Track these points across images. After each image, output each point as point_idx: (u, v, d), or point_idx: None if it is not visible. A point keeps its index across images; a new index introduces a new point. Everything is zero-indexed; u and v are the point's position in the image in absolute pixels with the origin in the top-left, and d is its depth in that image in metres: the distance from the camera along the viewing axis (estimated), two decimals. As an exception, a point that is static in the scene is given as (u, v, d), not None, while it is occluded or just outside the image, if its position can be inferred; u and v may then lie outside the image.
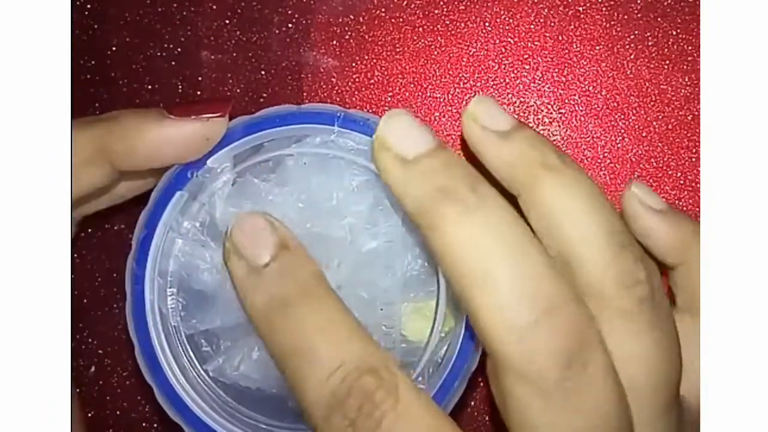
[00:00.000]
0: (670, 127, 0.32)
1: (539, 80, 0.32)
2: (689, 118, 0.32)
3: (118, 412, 0.33)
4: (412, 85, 0.32)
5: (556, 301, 0.20)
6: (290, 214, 0.26)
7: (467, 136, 0.25)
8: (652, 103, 0.32)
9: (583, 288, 0.23)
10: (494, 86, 0.32)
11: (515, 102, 0.32)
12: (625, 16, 0.32)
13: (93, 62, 0.33)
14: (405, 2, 0.32)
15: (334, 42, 0.32)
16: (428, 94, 0.32)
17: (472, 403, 0.32)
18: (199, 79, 0.32)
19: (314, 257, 0.26)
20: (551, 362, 0.20)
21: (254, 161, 0.26)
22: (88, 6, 0.33)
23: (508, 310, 0.20)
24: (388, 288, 0.26)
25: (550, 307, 0.20)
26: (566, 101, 0.32)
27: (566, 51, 0.32)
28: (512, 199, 0.24)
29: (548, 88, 0.32)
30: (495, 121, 0.24)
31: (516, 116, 0.32)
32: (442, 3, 0.32)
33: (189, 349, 0.26)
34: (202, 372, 0.26)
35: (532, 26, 0.32)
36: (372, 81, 0.32)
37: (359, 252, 0.26)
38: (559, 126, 0.32)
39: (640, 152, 0.32)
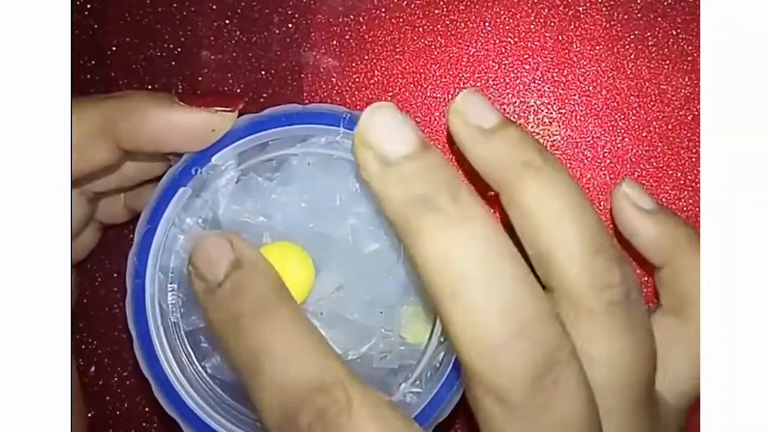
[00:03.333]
0: (670, 127, 0.32)
1: (539, 80, 0.32)
2: (689, 118, 0.32)
3: (118, 412, 0.33)
4: (412, 85, 0.32)
5: (529, 320, 0.20)
6: (293, 213, 0.26)
7: (452, 132, 0.25)
8: (652, 103, 0.32)
9: (558, 289, 0.23)
10: (494, 86, 0.32)
11: (515, 102, 0.32)
12: (625, 16, 0.32)
13: (93, 62, 0.33)
14: (405, 2, 0.32)
15: (334, 42, 0.32)
16: (428, 94, 0.32)
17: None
18: (199, 79, 0.32)
19: (314, 257, 0.26)
20: (521, 380, 0.20)
21: (259, 159, 0.26)
22: (88, 6, 0.33)
23: (481, 327, 0.20)
24: (388, 291, 0.26)
25: (522, 326, 0.20)
26: (566, 101, 0.32)
27: (566, 51, 0.32)
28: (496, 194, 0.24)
29: (548, 88, 0.32)
30: (480, 117, 0.24)
31: (516, 116, 0.32)
32: (442, 3, 0.32)
33: (188, 346, 0.26)
34: (200, 368, 0.26)
35: (532, 26, 0.32)
36: (372, 81, 0.32)
37: (361, 253, 0.26)
38: (559, 126, 0.32)
39: (640, 152, 0.32)
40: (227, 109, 0.25)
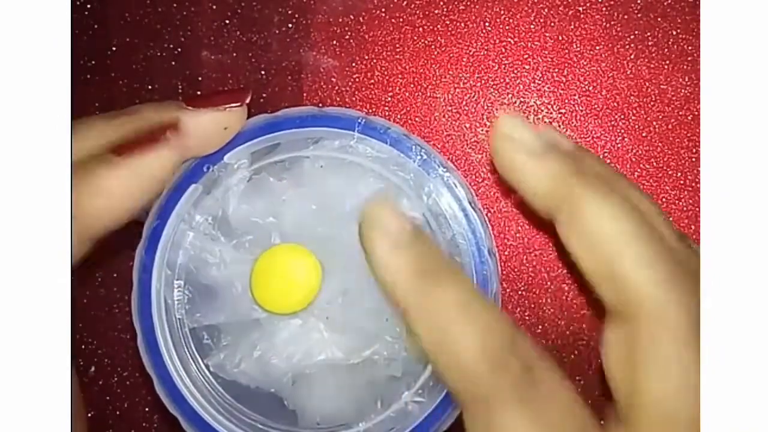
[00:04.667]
0: (670, 127, 0.32)
1: (539, 80, 0.32)
2: (689, 118, 0.32)
3: (118, 412, 0.33)
4: (412, 85, 0.32)
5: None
6: (302, 215, 0.26)
7: (499, 157, 0.24)
8: (652, 103, 0.32)
9: (637, 309, 0.22)
10: (494, 86, 0.32)
11: (515, 102, 0.32)
12: (625, 16, 0.32)
13: (93, 62, 0.33)
14: (405, 2, 0.32)
15: (334, 42, 0.32)
16: (428, 94, 0.32)
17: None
18: (199, 79, 0.32)
19: (322, 260, 0.26)
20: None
21: (271, 160, 0.26)
22: (88, 6, 0.33)
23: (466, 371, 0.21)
24: None
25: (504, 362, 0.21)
26: (566, 101, 0.32)
27: (566, 51, 0.32)
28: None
29: (548, 88, 0.32)
30: (527, 134, 0.24)
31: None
32: (442, 3, 0.32)
33: (191, 343, 0.26)
34: (202, 366, 0.26)
35: (532, 26, 0.32)
36: (372, 81, 0.32)
37: None
38: (559, 126, 0.32)
39: (640, 152, 0.32)
40: (236, 105, 0.25)
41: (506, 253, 0.32)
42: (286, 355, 0.26)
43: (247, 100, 0.25)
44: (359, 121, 0.26)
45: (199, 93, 0.32)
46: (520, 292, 0.32)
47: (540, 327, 0.32)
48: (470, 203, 0.25)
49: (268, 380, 0.26)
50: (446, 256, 0.23)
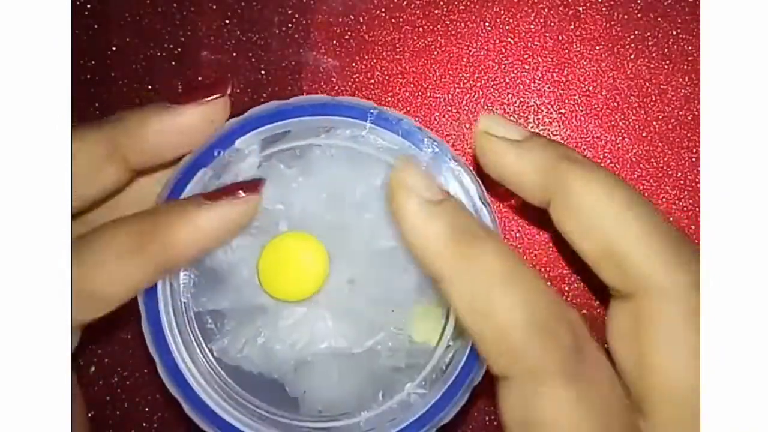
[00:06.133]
0: (670, 127, 0.32)
1: (539, 80, 0.32)
2: (689, 118, 0.32)
3: (118, 412, 0.33)
4: (412, 85, 0.32)
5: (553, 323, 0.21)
6: (311, 203, 0.26)
7: (481, 152, 0.24)
8: (652, 103, 0.32)
9: (637, 287, 0.22)
10: (494, 86, 0.32)
11: (515, 102, 0.32)
12: (625, 16, 0.32)
13: (93, 62, 0.33)
14: (405, 2, 0.32)
15: (334, 42, 0.32)
16: (428, 94, 0.32)
17: (475, 413, 0.32)
18: (199, 79, 0.32)
19: (329, 249, 0.26)
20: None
21: (282, 147, 0.26)
22: (88, 6, 0.33)
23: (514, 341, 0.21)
24: (401, 289, 0.26)
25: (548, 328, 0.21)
26: (566, 101, 0.32)
27: (566, 51, 0.32)
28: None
29: (548, 88, 0.32)
30: (507, 131, 0.24)
31: (516, 116, 0.32)
32: (442, 3, 0.32)
33: (195, 327, 0.26)
34: (206, 350, 0.26)
35: (532, 26, 0.32)
36: (372, 81, 0.32)
37: (376, 250, 0.26)
38: (559, 126, 0.32)
39: (640, 152, 0.32)
40: (217, 96, 0.25)
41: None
42: (289, 342, 0.26)
43: (229, 91, 0.25)
44: (371, 111, 0.26)
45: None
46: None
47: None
48: (480, 198, 0.25)
49: (271, 367, 0.26)
50: (482, 223, 0.22)
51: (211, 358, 0.26)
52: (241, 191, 0.24)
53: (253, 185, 0.25)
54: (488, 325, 0.21)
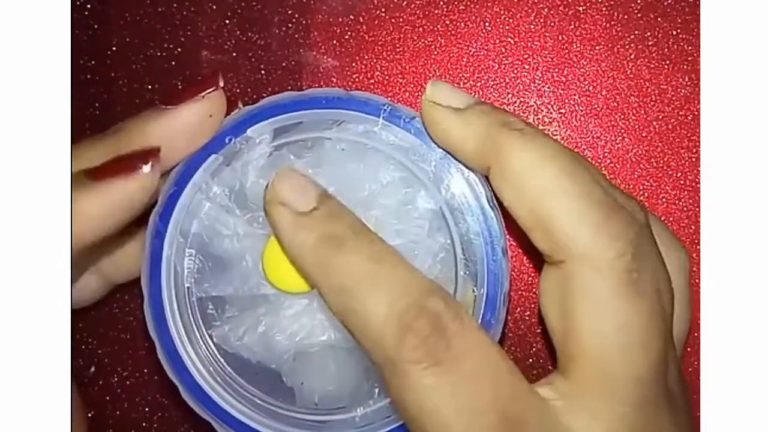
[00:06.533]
0: (670, 127, 0.32)
1: (539, 80, 0.32)
2: (689, 118, 0.32)
3: (118, 412, 0.33)
4: (412, 85, 0.32)
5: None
6: None
7: (428, 121, 0.25)
8: (652, 103, 0.32)
9: (570, 256, 0.22)
10: (494, 86, 0.32)
11: (515, 102, 0.32)
12: (625, 16, 0.32)
13: (93, 62, 0.33)
14: (405, 2, 0.32)
15: (334, 42, 0.32)
16: (428, 94, 0.32)
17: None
18: (199, 79, 0.32)
19: None
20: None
21: (294, 138, 0.26)
22: (88, 6, 0.33)
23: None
24: None
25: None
26: (566, 101, 0.32)
27: (566, 51, 0.32)
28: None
29: (548, 88, 0.32)
30: (452, 99, 0.24)
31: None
32: (442, 3, 0.32)
33: (197, 312, 0.26)
34: (206, 336, 0.26)
35: (532, 26, 0.32)
36: (372, 81, 0.32)
37: None
38: (559, 126, 0.32)
39: (640, 152, 0.32)
40: (210, 90, 0.25)
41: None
42: (289, 332, 0.26)
43: (221, 83, 0.25)
44: (385, 107, 0.26)
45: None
46: (520, 292, 0.32)
47: (540, 327, 0.32)
48: (488, 200, 0.25)
49: (269, 356, 0.26)
50: (356, 218, 0.23)
51: (211, 344, 0.26)
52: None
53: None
54: (353, 320, 0.22)
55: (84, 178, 0.23)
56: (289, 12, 0.32)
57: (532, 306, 0.32)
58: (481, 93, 0.32)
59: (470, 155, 0.24)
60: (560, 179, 0.22)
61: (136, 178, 0.23)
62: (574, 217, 0.22)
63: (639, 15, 0.32)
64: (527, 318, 0.32)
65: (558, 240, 0.22)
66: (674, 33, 0.32)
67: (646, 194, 0.32)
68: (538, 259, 0.32)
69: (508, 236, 0.26)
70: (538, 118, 0.32)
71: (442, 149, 0.25)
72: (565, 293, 0.23)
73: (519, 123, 0.24)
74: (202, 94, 0.25)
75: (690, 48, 0.32)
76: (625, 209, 0.23)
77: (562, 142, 0.23)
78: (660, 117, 0.32)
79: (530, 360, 0.32)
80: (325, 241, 0.23)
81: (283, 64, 0.32)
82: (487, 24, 0.32)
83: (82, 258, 0.26)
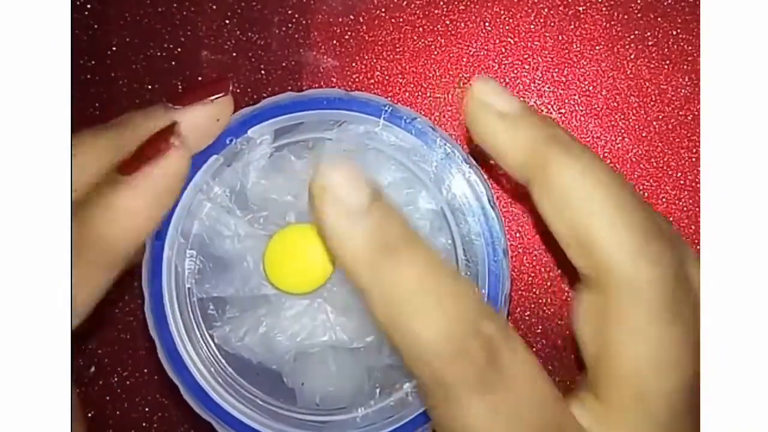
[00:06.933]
0: (670, 127, 0.32)
1: (539, 80, 0.32)
2: (689, 118, 0.32)
3: (118, 412, 0.33)
4: (412, 85, 0.32)
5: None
6: None
7: (471, 121, 0.24)
8: (652, 103, 0.32)
9: (606, 277, 0.22)
10: (494, 86, 0.32)
11: (515, 102, 0.32)
12: (625, 16, 0.32)
13: (93, 62, 0.33)
14: (405, 2, 0.32)
15: (334, 42, 0.32)
16: (428, 94, 0.32)
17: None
18: (199, 79, 0.32)
19: None
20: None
21: (294, 139, 0.26)
22: (88, 6, 0.33)
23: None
24: None
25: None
26: (566, 101, 0.32)
27: (566, 51, 0.32)
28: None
29: (548, 88, 0.32)
30: (501, 101, 0.24)
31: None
32: (442, 3, 0.32)
33: (198, 313, 0.26)
34: (207, 337, 0.26)
35: (532, 26, 0.32)
36: (372, 81, 0.32)
37: None
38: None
39: (640, 152, 0.32)
40: (220, 95, 0.25)
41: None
42: (290, 333, 0.26)
43: (230, 87, 0.25)
44: (386, 108, 0.26)
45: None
46: (520, 292, 0.32)
47: (540, 327, 0.32)
48: (489, 201, 0.25)
49: (270, 356, 0.26)
50: (410, 225, 0.21)
51: (212, 344, 0.26)
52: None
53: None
54: (403, 337, 0.20)
55: (115, 174, 0.23)
56: (289, 12, 0.32)
57: (532, 306, 0.32)
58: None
59: (513, 165, 0.24)
60: (604, 199, 0.22)
61: (170, 155, 0.23)
62: (615, 239, 0.22)
63: (639, 15, 0.32)
64: (527, 318, 0.32)
65: (596, 260, 0.22)
66: (674, 33, 0.32)
67: (646, 194, 0.32)
68: (538, 261, 0.32)
69: (507, 236, 0.26)
70: (538, 118, 0.32)
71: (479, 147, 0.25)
72: (602, 316, 0.22)
73: (565, 137, 0.23)
74: (212, 98, 0.25)
75: (690, 48, 0.32)
76: (665, 234, 0.22)
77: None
78: (660, 117, 0.32)
79: (530, 360, 0.32)
80: (378, 246, 0.21)
81: (283, 64, 0.32)
82: (487, 24, 0.32)
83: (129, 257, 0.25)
